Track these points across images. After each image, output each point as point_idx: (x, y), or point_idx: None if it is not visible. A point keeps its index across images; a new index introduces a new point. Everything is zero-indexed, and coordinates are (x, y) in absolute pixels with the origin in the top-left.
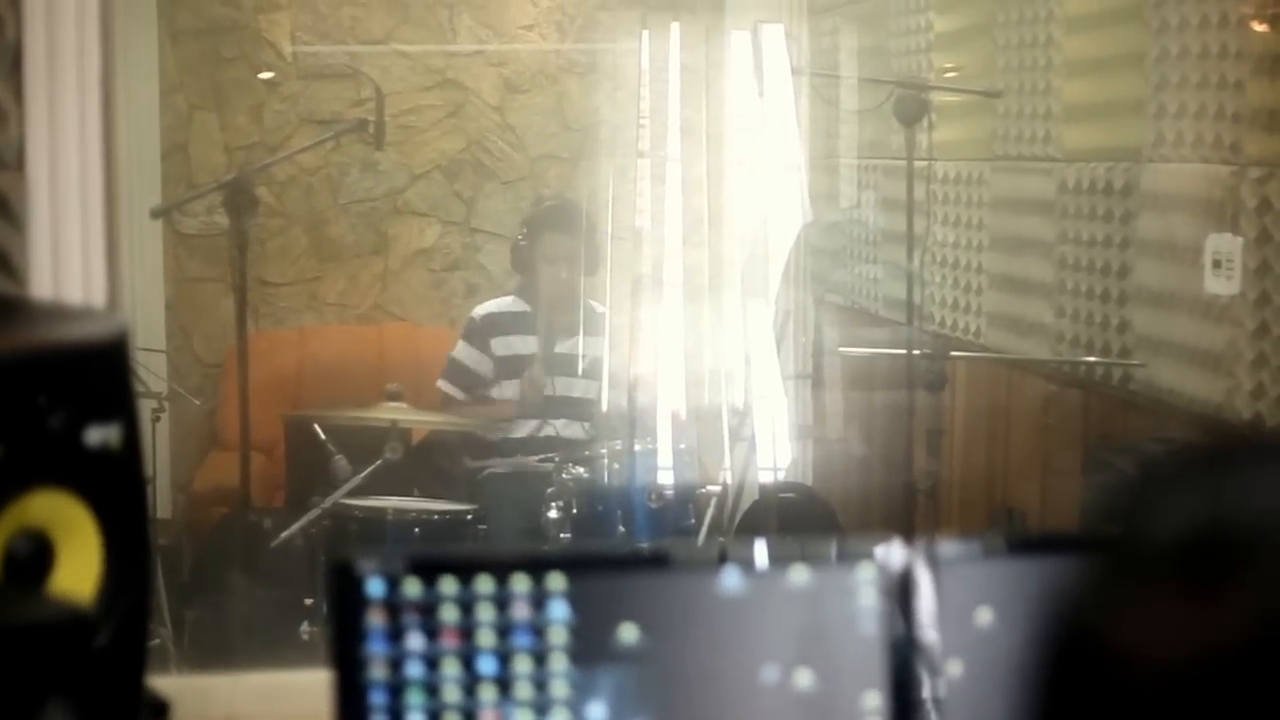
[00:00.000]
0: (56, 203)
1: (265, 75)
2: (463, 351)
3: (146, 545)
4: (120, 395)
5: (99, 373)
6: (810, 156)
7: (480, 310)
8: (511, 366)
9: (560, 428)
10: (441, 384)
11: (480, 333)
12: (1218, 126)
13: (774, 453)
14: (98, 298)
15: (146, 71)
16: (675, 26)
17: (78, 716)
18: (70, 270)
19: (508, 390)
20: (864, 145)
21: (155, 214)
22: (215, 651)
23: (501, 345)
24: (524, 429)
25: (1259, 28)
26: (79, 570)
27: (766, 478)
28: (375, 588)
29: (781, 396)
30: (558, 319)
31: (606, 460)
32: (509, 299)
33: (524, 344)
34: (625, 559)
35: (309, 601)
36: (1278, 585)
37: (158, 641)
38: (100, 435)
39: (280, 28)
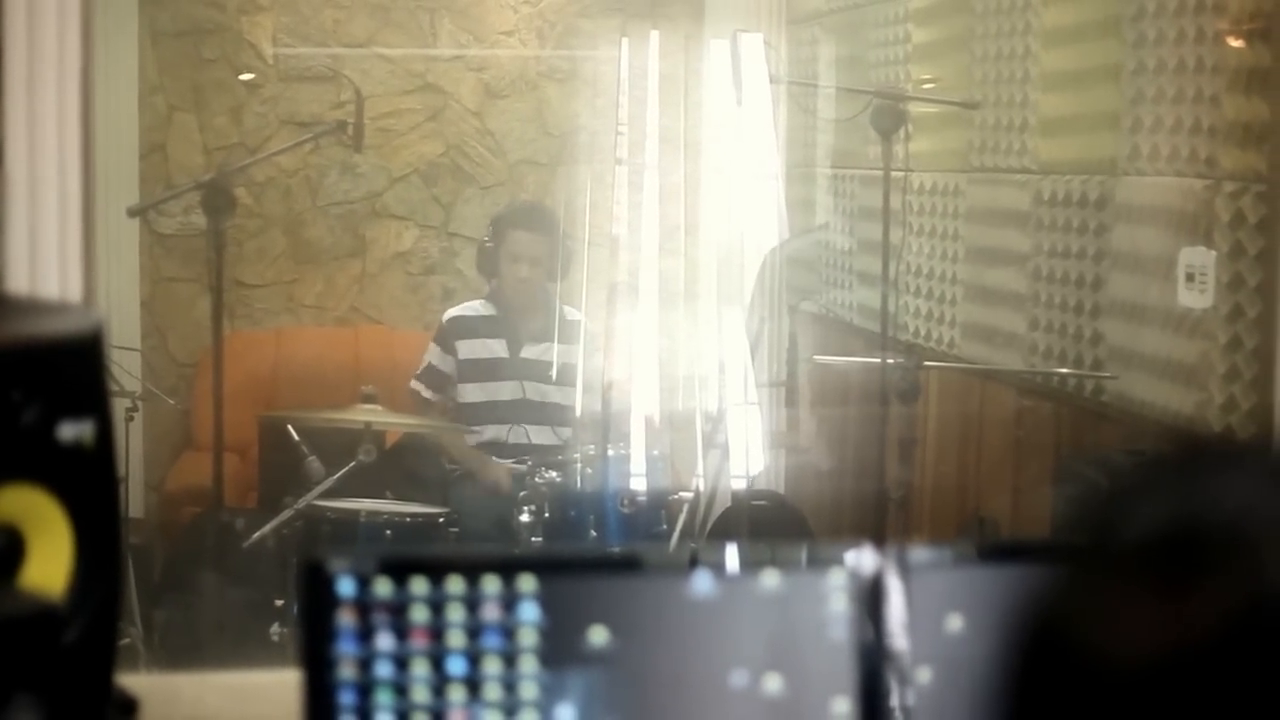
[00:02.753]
0: (34, 200)
1: (246, 77)
2: (433, 354)
3: (118, 542)
4: (94, 392)
5: (73, 369)
6: (787, 165)
7: (449, 313)
8: (475, 369)
9: (532, 433)
10: (413, 384)
11: (447, 335)
12: (1193, 140)
13: (747, 460)
14: (74, 294)
15: (126, 72)
16: (654, 35)
17: (45, 713)
18: (47, 266)
19: (469, 394)
20: (841, 155)
21: (132, 213)
22: (185, 651)
23: (465, 348)
24: (493, 435)
25: (1235, 43)
26: (50, 566)
27: (739, 485)
28: (346, 587)
29: (755, 404)
30: (525, 322)
31: (579, 465)
32: (478, 303)
33: (488, 347)
34: (596, 562)
35: (280, 602)
36: (1243, 586)
37: (128, 641)
38: (73, 431)
39: (262, 29)
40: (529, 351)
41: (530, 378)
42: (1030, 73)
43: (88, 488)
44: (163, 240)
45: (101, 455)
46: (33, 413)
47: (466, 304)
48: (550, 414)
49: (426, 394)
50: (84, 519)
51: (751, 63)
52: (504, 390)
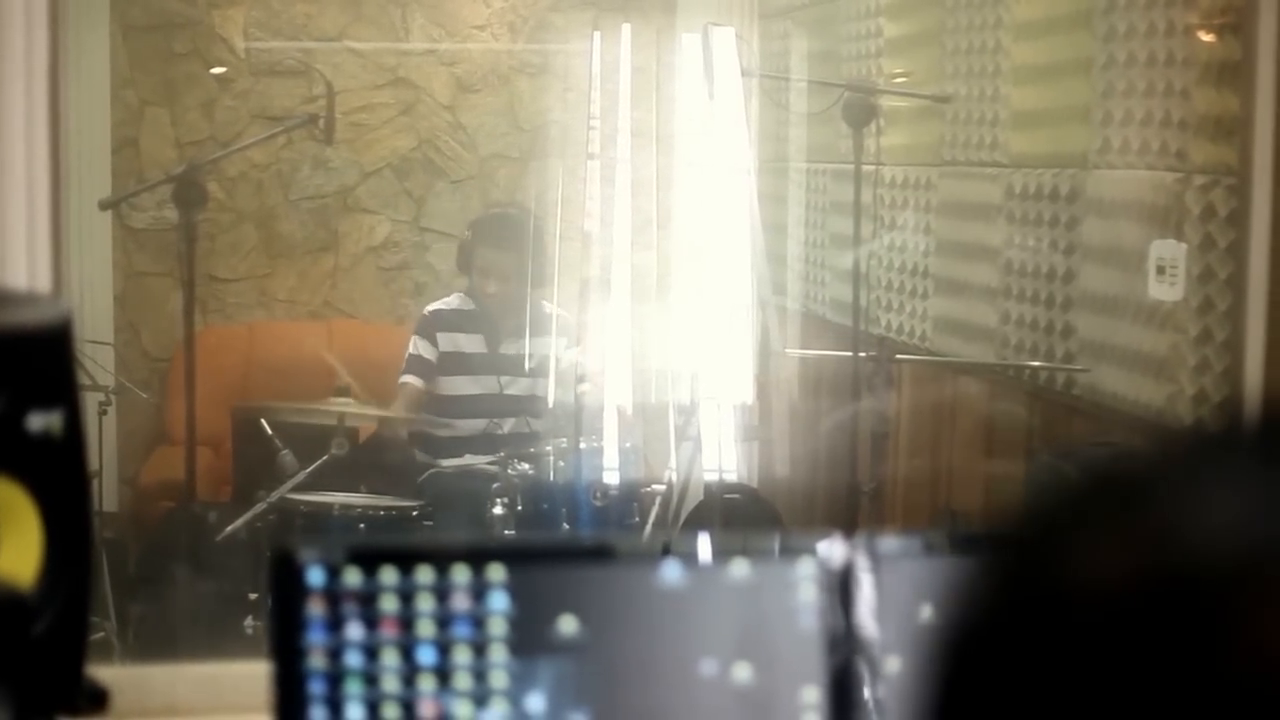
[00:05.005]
0: (2, 193)
1: (217, 71)
2: (417, 345)
3: (88, 533)
4: (63, 382)
5: (41, 359)
6: (759, 159)
7: (429, 307)
8: (453, 362)
9: (510, 428)
10: (404, 379)
11: (428, 326)
12: (1163, 133)
13: (719, 453)
14: (42, 286)
15: (98, 66)
16: (626, 28)
17: (13, 702)
18: (15, 259)
19: (447, 387)
20: (813, 149)
21: (103, 205)
22: (159, 645)
23: (445, 340)
24: (473, 428)
25: (1205, 37)
26: (19, 556)
27: (711, 478)
28: (316, 577)
29: (727, 397)
30: (504, 318)
31: (552, 458)
32: (456, 297)
33: (469, 341)
34: (565, 551)
35: (253, 596)
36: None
37: (102, 635)
38: (42, 422)
39: (233, 24)
40: (508, 347)
41: (508, 373)
42: (1001, 67)
43: (57, 478)
44: (135, 235)
45: (70, 445)
46: (1, 403)
47: (446, 298)
48: (527, 407)
49: (418, 383)
50: (53, 509)
51: (723, 56)
52: (481, 385)
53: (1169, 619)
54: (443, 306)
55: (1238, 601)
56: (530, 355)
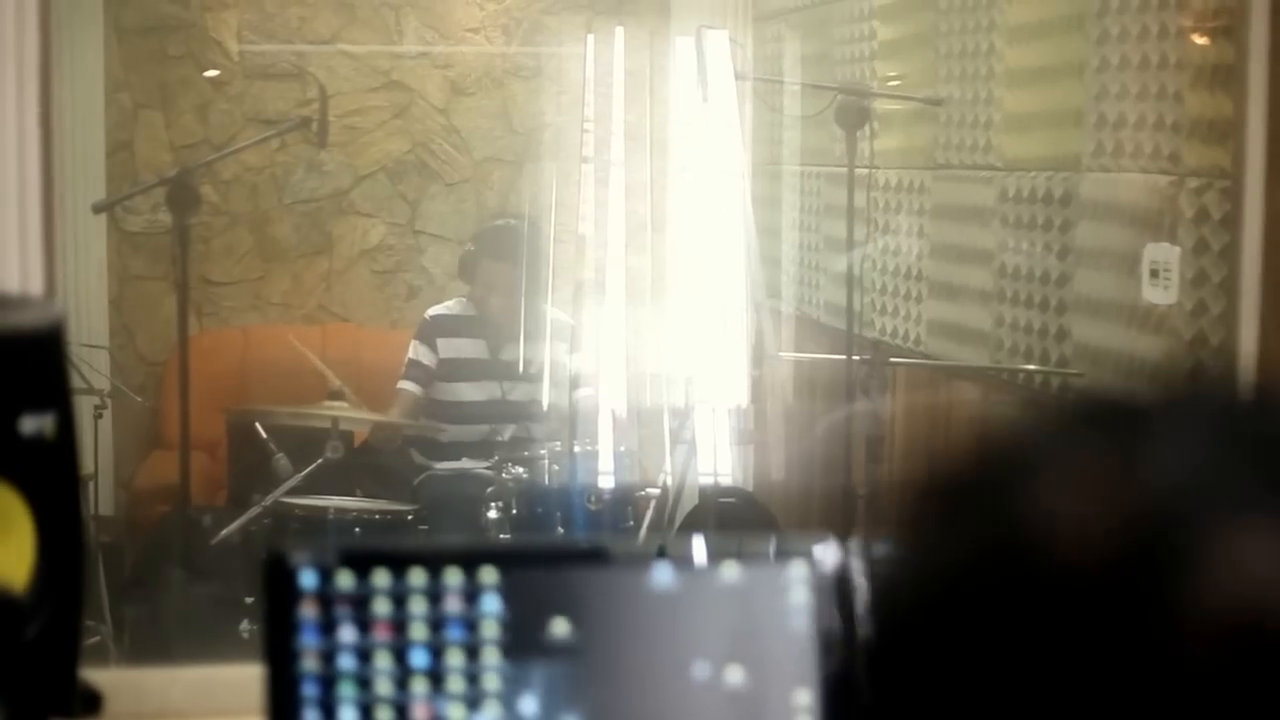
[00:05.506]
0: None
1: (211, 74)
2: (417, 350)
3: (81, 536)
4: (56, 385)
5: (34, 361)
6: (753, 162)
7: (430, 311)
8: (454, 368)
9: (508, 432)
10: (402, 384)
11: (428, 331)
12: (1157, 137)
13: (714, 457)
14: (35, 289)
15: (91, 69)
16: (620, 31)
17: (7, 706)
18: (8, 262)
19: (448, 392)
20: (807, 152)
21: (97, 209)
22: (154, 648)
23: (446, 346)
24: (473, 435)
25: (1198, 39)
26: (12, 559)
27: (706, 482)
28: (308, 580)
29: (721, 401)
30: (505, 324)
31: (547, 461)
32: (456, 302)
33: (469, 347)
34: (558, 554)
35: (249, 600)
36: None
37: (97, 639)
38: (35, 424)
39: (227, 27)
40: (509, 353)
41: (510, 378)
42: (995, 70)
43: (50, 481)
44: (130, 238)
45: (63, 448)
46: None
47: (446, 303)
48: (529, 413)
49: (416, 390)
50: (46, 512)
51: (717, 59)
52: (484, 390)
53: (1126, 570)
54: (443, 312)
55: (1191, 547)
56: (529, 360)
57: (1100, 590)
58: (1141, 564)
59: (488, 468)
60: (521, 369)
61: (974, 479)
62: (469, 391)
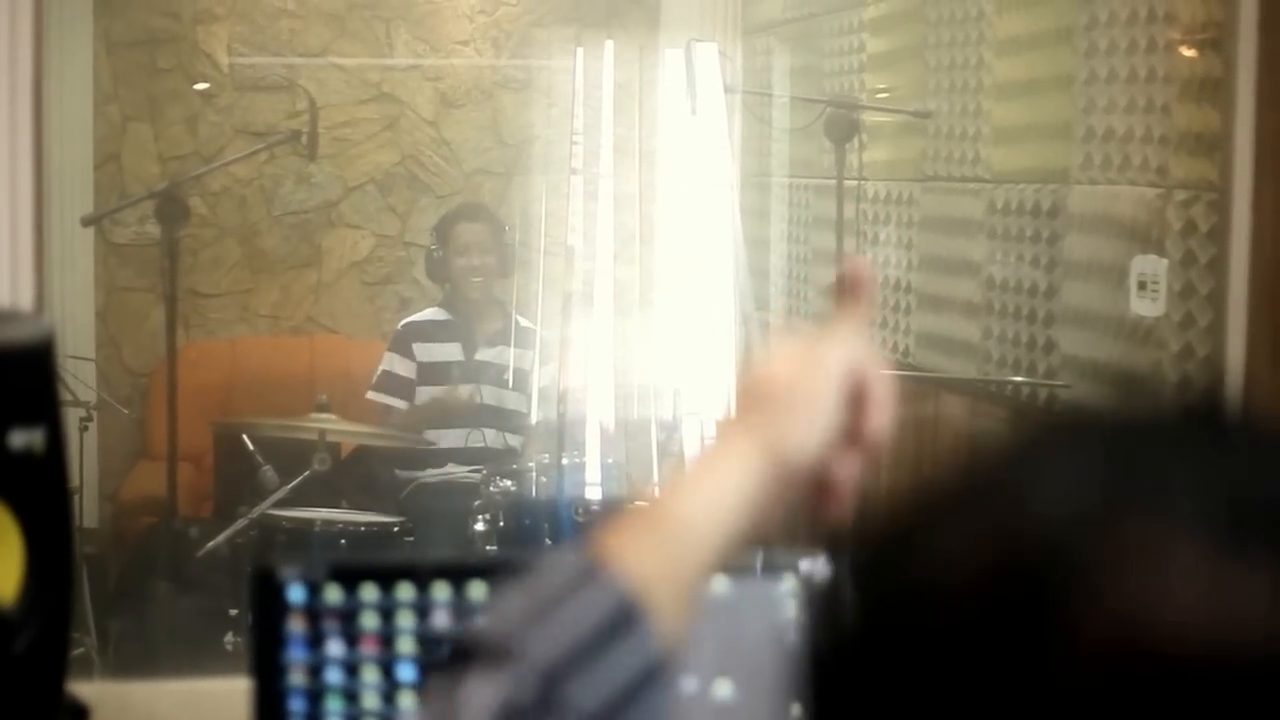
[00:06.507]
0: None
1: (201, 86)
2: (391, 361)
3: (69, 551)
4: (45, 399)
5: (23, 376)
6: (742, 174)
7: (404, 320)
8: (432, 372)
9: (490, 438)
10: (371, 395)
11: (403, 339)
12: (1145, 149)
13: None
14: (25, 302)
15: (81, 82)
16: (609, 44)
17: None
18: None
19: (427, 397)
20: (796, 164)
21: (86, 222)
22: (140, 662)
23: (422, 351)
24: (453, 439)
25: (1186, 53)
26: (0, 573)
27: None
28: (296, 594)
29: (710, 413)
30: (479, 325)
31: (534, 473)
32: (432, 310)
33: (444, 350)
34: None
35: (234, 612)
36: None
37: (82, 651)
38: (24, 439)
39: (217, 39)
40: (484, 354)
41: (486, 381)
42: (983, 82)
43: (39, 496)
44: (117, 250)
45: (53, 463)
46: None
47: (421, 312)
48: (506, 419)
49: (387, 400)
50: (35, 527)
51: (706, 72)
52: (461, 394)
53: (1005, 611)
54: (417, 318)
55: (1065, 585)
56: (508, 367)
57: (985, 627)
58: (1020, 597)
59: (472, 471)
60: (505, 377)
61: (889, 526)
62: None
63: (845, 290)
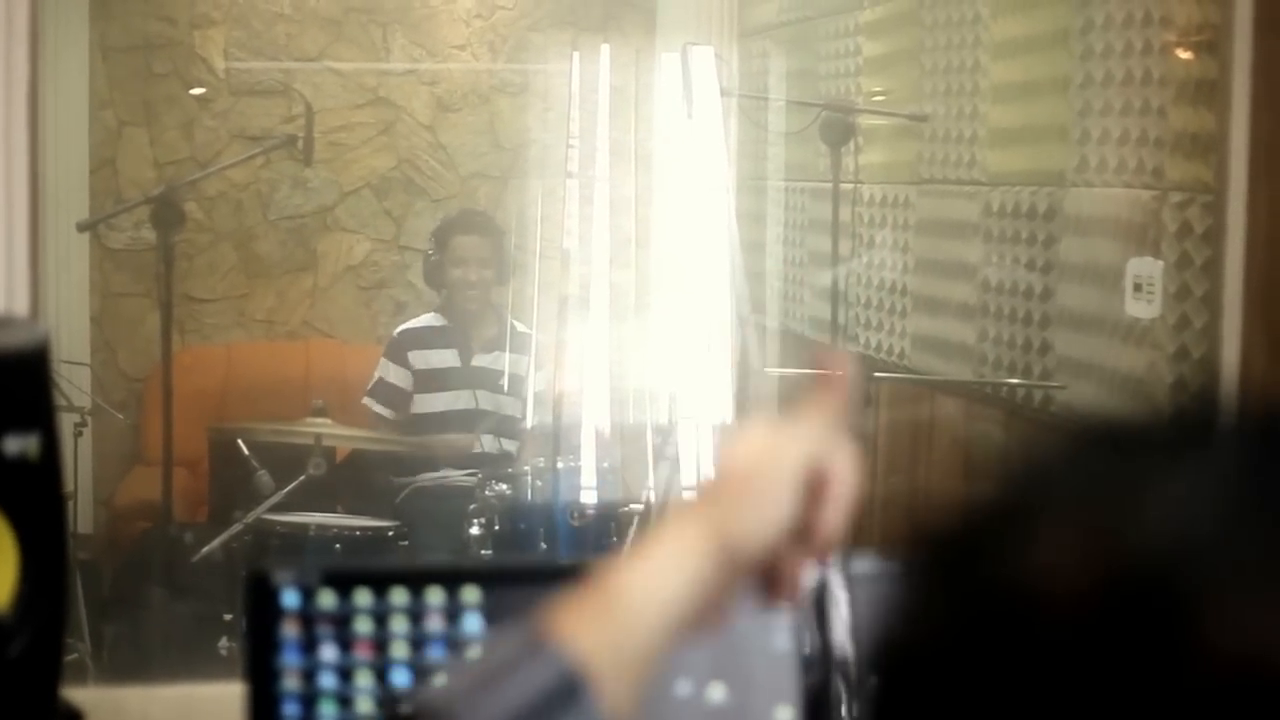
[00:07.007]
0: None
1: (197, 91)
2: (385, 369)
3: (64, 556)
4: (40, 405)
5: (18, 382)
6: (738, 178)
7: (400, 328)
8: (428, 379)
9: (486, 442)
10: (366, 401)
11: (399, 347)
12: (1140, 151)
13: (697, 473)
14: (20, 308)
15: (76, 87)
16: (605, 48)
17: None
18: None
19: (424, 404)
20: (791, 167)
21: (81, 227)
22: (134, 667)
23: (419, 359)
24: (451, 443)
25: (1182, 55)
26: None
27: (690, 498)
28: (290, 599)
29: (705, 416)
30: (475, 331)
31: (530, 477)
32: (428, 316)
33: (441, 357)
34: (540, 573)
35: (228, 617)
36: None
37: (76, 656)
38: (19, 445)
39: (214, 44)
40: (480, 360)
41: (482, 386)
42: (979, 85)
43: (33, 501)
44: (113, 255)
45: (47, 469)
46: None
47: (416, 318)
48: (503, 424)
49: (378, 409)
50: (29, 532)
51: (702, 76)
52: (458, 400)
53: (1124, 625)
54: (413, 325)
55: (1195, 602)
56: (502, 371)
57: (1094, 646)
58: (1138, 619)
59: (468, 474)
60: (502, 382)
61: (975, 528)
62: (444, 402)
63: (821, 381)
